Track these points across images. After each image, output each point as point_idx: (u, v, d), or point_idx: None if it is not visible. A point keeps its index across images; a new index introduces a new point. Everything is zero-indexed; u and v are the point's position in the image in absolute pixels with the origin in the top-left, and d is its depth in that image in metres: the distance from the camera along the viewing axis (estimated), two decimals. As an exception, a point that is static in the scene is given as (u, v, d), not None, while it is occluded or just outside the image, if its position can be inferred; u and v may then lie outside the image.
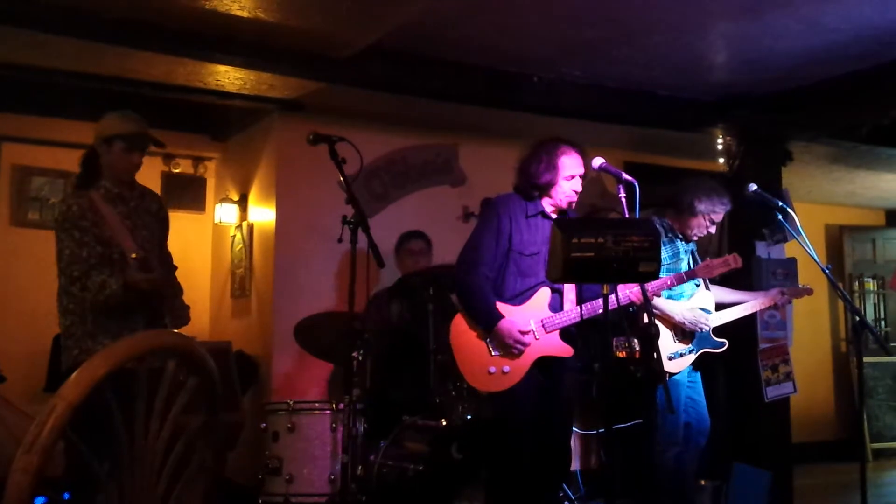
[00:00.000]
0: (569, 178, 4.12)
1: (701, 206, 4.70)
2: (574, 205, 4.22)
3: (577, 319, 4.07)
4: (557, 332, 4.10)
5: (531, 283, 4.12)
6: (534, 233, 4.14)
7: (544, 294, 4.12)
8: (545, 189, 4.15)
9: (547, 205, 4.18)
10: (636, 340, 4.69)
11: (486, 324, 4.05)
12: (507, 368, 4.05)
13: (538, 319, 4.08)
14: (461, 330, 4.14)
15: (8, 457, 1.55)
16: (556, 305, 4.15)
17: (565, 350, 4.10)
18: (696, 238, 4.84)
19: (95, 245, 3.87)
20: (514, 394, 4.06)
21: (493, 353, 4.06)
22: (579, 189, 4.15)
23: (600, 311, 3.96)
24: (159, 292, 3.98)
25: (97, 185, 4.01)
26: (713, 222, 4.75)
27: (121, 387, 1.68)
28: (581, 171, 4.14)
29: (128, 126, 4.01)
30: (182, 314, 4.22)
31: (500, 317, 4.02)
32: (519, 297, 4.12)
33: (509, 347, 4.03)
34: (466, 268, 4.13)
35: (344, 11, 4.73)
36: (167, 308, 4.12)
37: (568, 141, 4.20)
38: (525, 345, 4.03)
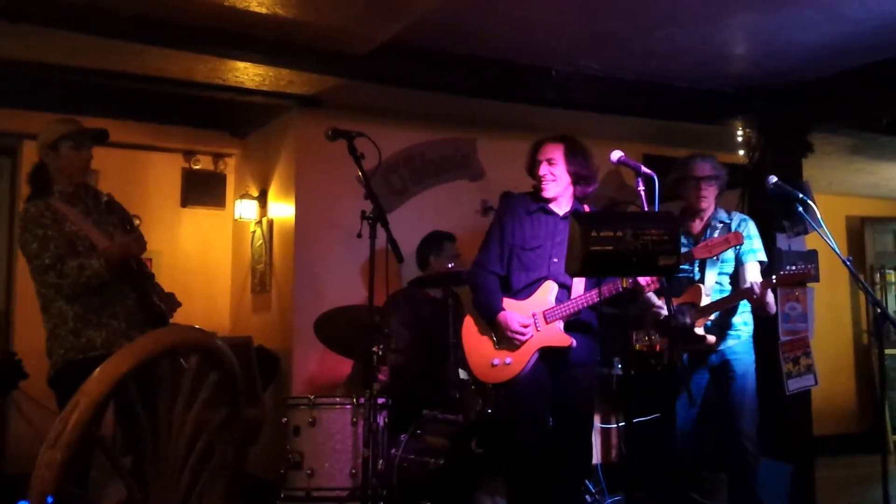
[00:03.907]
0: (535, 163, 4.24)
1: (677, 173, 4.79)
2: (552, 192, 4.23)
3: (578, 308, 4.14)
4: (560, 322, 4.15)
5: (534, 277, 4.22)
6: (536, 227, 4.26)
7: (550, 288, 4.20)
8: (536, 182, 4.28)
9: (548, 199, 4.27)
10: (656, 334, 4.68)
11: (488, 316, 4.20)
12: (509, 360, 4.17)
13: (540, 311, 4.15)
14: (470, 325, 4.35)
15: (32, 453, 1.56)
16: (563, 300, 4.20)
17: (564, 340, 4.14)
18: (705, 205, 4.76)
19: (59, 238, 3.83)
20: (516, 384, 4.18)
21: (497, 346, 4.21)
22: (543, 173, 4.21)
23: (598, 299, 4.04)
24: (144, 273, 3.94)
25: (50, 192, 3.98)
26: (698, 178, 4.72)
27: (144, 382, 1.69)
28: (544, 156, 4.22)
29: (68, 126, 4.03)
30: (170, 298, 4.18)
31: (500, 309, 4.16)
32: (524, 292, 4.23)
33: (510, 338, 4.13)
34: (476, 268, 4.37)
35: (361, 7, 4.73)
36: (154, 291, 4.07)
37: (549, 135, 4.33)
38: (524, 335, 4.12)
